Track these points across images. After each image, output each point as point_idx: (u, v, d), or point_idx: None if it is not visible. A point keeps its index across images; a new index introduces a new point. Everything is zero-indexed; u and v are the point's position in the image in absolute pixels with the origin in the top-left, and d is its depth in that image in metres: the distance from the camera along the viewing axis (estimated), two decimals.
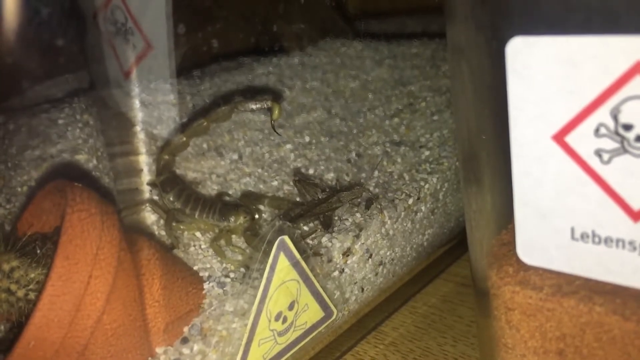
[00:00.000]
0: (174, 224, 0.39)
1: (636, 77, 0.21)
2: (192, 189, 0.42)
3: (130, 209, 0.40)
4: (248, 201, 0.41)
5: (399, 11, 0.67)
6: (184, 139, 0.42)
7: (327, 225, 0.39)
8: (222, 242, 0.38)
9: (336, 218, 0.41)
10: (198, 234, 0.40)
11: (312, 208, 0.40)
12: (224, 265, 0.37)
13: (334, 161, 0.48)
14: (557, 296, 0.25)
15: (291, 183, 0.45)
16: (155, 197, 0.41)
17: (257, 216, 0.39)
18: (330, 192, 0.42)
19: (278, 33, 0.58)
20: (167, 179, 0.41)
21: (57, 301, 0.28)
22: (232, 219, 0.38)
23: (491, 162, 0.29)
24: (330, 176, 0.46)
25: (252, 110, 0.41)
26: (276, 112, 0.40)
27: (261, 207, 0.42)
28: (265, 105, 0.40)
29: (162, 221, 0.39)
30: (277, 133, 0.41)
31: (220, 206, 0.39)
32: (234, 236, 0.39)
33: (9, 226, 0.37)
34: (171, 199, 0.40)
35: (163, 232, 0.39)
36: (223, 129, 0.50)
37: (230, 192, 0.44)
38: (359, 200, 0.42)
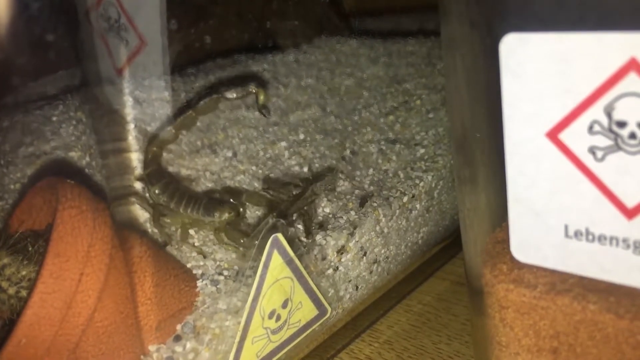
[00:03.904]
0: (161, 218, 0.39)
1: (630, 73, 0.21)
2: (178, 183, 0.41)
3: (118, 201, 0.40)
4: (227, 196, 0.41)
5: (395, 9, 0.66)
6: (173, 131, 0.42)
7: (309, 232, 0.39)
8: (222, 235, 0.38)
9: (330, 216, 0.41)
10: (192, 231, 0.39)
11: (289, 207, 0.40)
12: (217, 263, 0.37)
13: (329, 159, 0.48)
14: (551, 294, 0.25)
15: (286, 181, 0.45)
16: (143, 191, 0.41)
17: (241, 211, 0.39)
18: (304, 185, 0.42)
19: (273, 30, 0.58)
20: (154, 172, 0.41)
21: (49, 299, 0.28)
22: (216, 215, 0.38)
23: (485, 159, 0.29)
24: None
25: (238, 98, 0.41)
26: (262, 96, 0.40)
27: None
28: (252, 91, 0.40)
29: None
30: (264, 115, 0.41)
31: (206, 201, 0.39)
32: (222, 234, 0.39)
33: (1, 223, 0.37)
34: (157, 191, 0.40)
35: (156, 230, 0.39)
36: (217, 127, 0.50)
37: None
38: (333, 187, 0.42)
